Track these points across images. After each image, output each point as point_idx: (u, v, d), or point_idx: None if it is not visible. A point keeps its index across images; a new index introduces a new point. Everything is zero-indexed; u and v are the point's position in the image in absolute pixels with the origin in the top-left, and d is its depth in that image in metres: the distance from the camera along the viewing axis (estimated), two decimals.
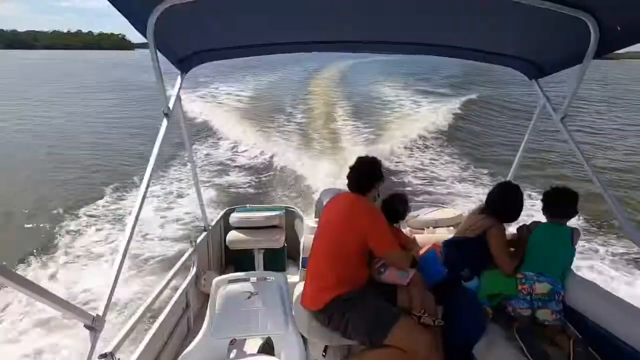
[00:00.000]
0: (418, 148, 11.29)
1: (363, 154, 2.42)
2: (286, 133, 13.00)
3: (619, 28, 1.87)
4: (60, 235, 6.10)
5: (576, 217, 2.38)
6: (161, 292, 2.39)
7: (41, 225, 6.47)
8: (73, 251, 5.64)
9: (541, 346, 1.98)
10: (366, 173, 2.27)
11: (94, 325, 1.44)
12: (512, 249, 2.48)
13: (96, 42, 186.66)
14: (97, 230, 6.29)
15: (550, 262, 2.24)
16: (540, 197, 2.43)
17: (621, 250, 5.67)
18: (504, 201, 2.47)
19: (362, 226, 2.11)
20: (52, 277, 5.01)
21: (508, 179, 3.21)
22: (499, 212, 2.45)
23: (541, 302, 2.16)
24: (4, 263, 4.39)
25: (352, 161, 2.35)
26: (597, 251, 5.70)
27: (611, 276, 5.11)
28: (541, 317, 2.15)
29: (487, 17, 2.11)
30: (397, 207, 2.50)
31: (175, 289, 2.81)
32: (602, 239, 6.03)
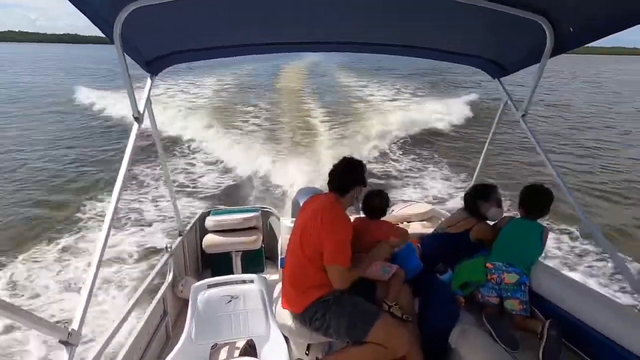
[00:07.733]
0: (391, 146, 11.44)
1: (346, 154, 2.39)
2: (256, 132, 12.81)
3: (571, 29, 2.00)
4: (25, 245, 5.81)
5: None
6: (138, 300, 2.34)
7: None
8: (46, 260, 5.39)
9: (509, 331, 2.11)
10: (349, 174, 2.22)
11: (70, 340, 1.40)
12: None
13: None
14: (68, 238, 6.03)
15: (519, 255, 2.37)
16: (518, 193, 2.53)
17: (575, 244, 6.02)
18: (476, 203, 2.62)
19: (322, 230, 2.05)
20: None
21: (475, 175, 3.35)
22: (475, 212, 2.62)
23: (509, 292, 2.30)
24: None
25: (325, 159, 2.36)
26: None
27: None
28: (509, 307, 2.29)
29: (450, 19, 2.19)
30: (376, 202, 2.49)
31: (152, 296, 2.75)
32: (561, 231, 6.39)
